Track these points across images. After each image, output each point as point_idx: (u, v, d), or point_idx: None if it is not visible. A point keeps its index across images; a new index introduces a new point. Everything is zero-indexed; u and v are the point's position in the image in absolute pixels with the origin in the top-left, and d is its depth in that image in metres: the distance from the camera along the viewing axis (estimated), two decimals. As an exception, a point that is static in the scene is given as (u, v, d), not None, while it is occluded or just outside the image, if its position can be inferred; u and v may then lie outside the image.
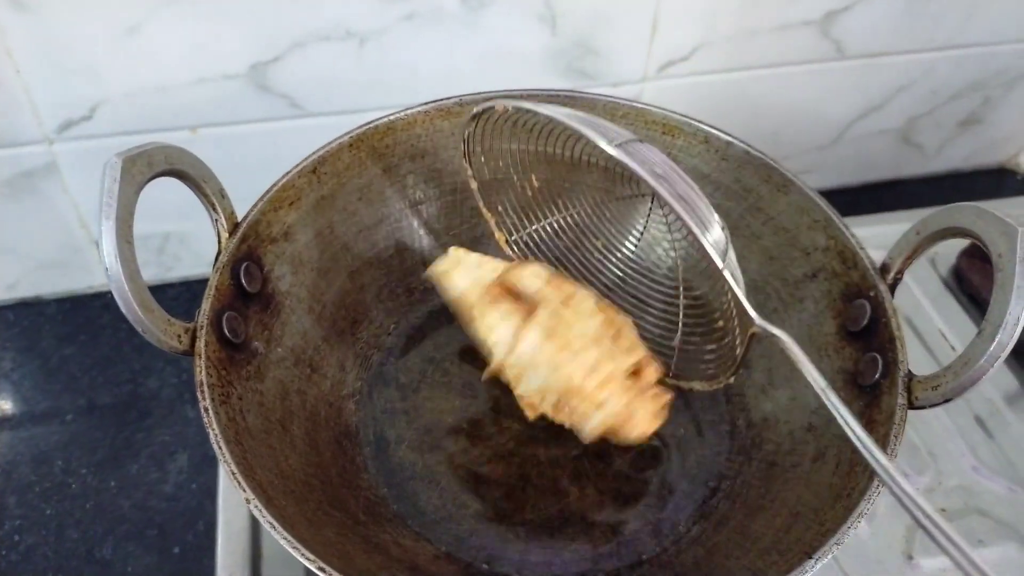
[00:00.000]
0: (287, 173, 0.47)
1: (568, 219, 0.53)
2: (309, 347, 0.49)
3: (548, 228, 0.53)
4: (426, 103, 0.52)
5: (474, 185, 0.51)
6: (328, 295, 0.51)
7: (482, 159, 0.50)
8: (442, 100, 0.52)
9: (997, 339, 0.37)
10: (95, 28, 0.53)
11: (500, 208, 0.53)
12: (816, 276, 0.49)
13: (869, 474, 0.38)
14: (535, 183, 0.51)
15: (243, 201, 0.45)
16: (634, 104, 0.53)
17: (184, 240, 0.67)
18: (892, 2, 0.67)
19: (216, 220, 0.43)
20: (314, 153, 0.49)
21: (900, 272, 0.44)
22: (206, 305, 0.41)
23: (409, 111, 0.51)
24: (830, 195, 0.50)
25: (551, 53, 0.63)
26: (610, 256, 0.54)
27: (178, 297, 0.68)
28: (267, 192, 0.46)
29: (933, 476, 0.54)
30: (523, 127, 0.46)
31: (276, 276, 0.47)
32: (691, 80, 0.68)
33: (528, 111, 0.41)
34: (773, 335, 0.39)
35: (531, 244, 0.54)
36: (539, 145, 0.47)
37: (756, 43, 0.67)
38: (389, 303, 0.55)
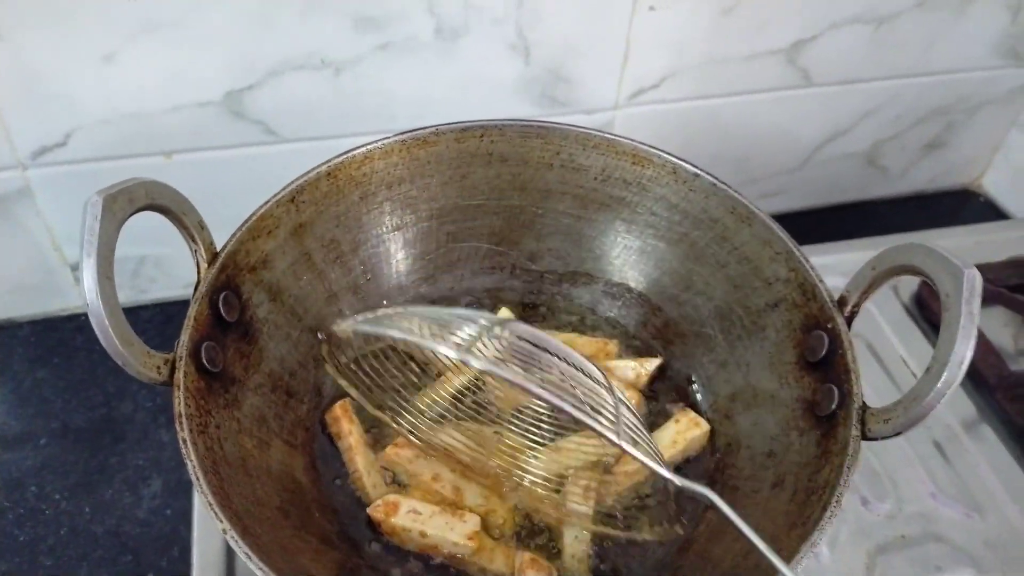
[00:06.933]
0: (266, 203, 0.48)
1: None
2: (286, 373, 0.49)
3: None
4: (403, 132, 0.53)
5: (353, 392, 0.50)
6: (305, 320, 0.51)
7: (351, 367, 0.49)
8: (418, 129, 0.53)
9: (944, 377, 0.38)
10: (71, 56, 0.53)
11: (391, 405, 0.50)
12: (777, 306, 0.50)
13: (823, 505, 0.40)
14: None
15: (216, 224, 0.46)
16: (604, 135, 0.54)
17: (159, 263, 0.67)
18: (858, 32, 0.69)
19: (196, 251, 0.44)
20: (293, 182, 0.49)
21: (857, 305, 0.46)
22: (185, 336, 0.41)
23: (386, 140, 0.52)
24: (797, 217, 0.51)
25: (524, 81, 0.64)
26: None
27: (152, 320, 0.69)
28: (246, 221, 0.47)
29: (894, 503, 0.55)
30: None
31: (254, 304, 0.47)
32: (662, 107, 0.69)
33: (367, 333, 0.40)
34: (697, 493, 0.40)
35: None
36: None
37: (725, 71, 0.68)
38: (364, 328, 0.55)
